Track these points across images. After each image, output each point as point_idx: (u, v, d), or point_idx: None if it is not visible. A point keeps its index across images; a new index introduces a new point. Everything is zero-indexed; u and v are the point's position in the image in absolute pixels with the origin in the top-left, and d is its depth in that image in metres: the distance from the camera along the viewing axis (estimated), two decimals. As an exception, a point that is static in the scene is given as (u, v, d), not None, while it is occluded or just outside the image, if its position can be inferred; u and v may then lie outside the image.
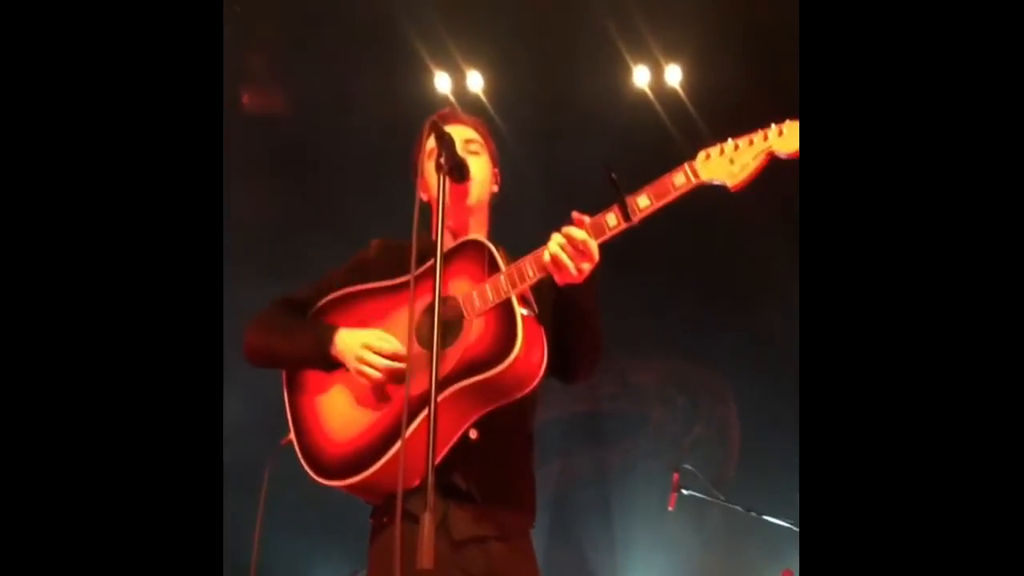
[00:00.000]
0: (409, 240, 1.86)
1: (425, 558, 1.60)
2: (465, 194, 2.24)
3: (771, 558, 5.13)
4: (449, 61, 5.54)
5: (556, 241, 2.01)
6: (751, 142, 2.00)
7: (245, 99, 5.74)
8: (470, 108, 5.55)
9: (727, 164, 1.99)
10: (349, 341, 2.17)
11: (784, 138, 1.97)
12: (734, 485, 5.34)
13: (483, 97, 5.62)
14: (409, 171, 2.39)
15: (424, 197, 2.32)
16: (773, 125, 2.00)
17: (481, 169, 2.30)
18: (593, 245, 2.00)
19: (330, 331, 2.21)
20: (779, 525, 4.49)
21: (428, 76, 5.56)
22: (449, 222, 2.25)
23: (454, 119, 2.37)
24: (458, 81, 5.60)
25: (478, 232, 2.31)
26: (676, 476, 4.66)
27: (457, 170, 2.10)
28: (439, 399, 1.88)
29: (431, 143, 2.09)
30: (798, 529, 4.36)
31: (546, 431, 5.91)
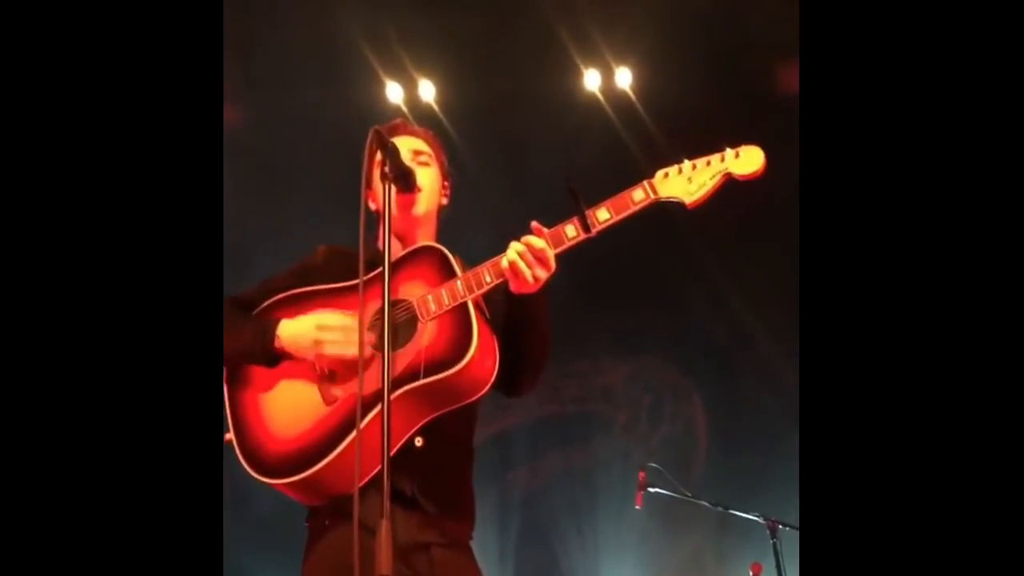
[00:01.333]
0: (357, 247, 1.88)
1: (383, 564, 1.62)
2: (412, 203, 2.26)
3: (740, 551, 5.18)
4: (401, 71, 5.55)
5: (515, 248, 2.05)
6: (708, 163, 2.07)
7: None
8: (422, 117, 5.56)
9: (685, 183, 2.06)
10: (297, 328, 2.17)
11: (740, 160, 2.05)
12: (701, 481, 5.39)
13: (435, 106, 5.63)
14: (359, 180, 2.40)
15: (372, 207, 2.34)
16: (729, 148, 2.08)
17: (429, 180, 2.32)
18: (551, 254, 2.04)
19: (272, 323, 2.20)
20: (746, 519, 4.54)
21: (380, 86, 5.57)
22: (397, 232, 2.27)
23: (404, 130, 2.40)
24: (410, 90, 5.61)
25: (426, 242, 2.31)
26: (642, 474, 4.69)
27: (403, 179, 2.12)
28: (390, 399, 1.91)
29: (379, 154, 2.11)
30: (764, 522, 4.42)
31: (514, 435, 5.95)
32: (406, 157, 2.20)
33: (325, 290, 2.26)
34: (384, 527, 1.64)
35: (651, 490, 4.66)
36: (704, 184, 2.05)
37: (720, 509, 4.67)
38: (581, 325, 5.70)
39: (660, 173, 2.09)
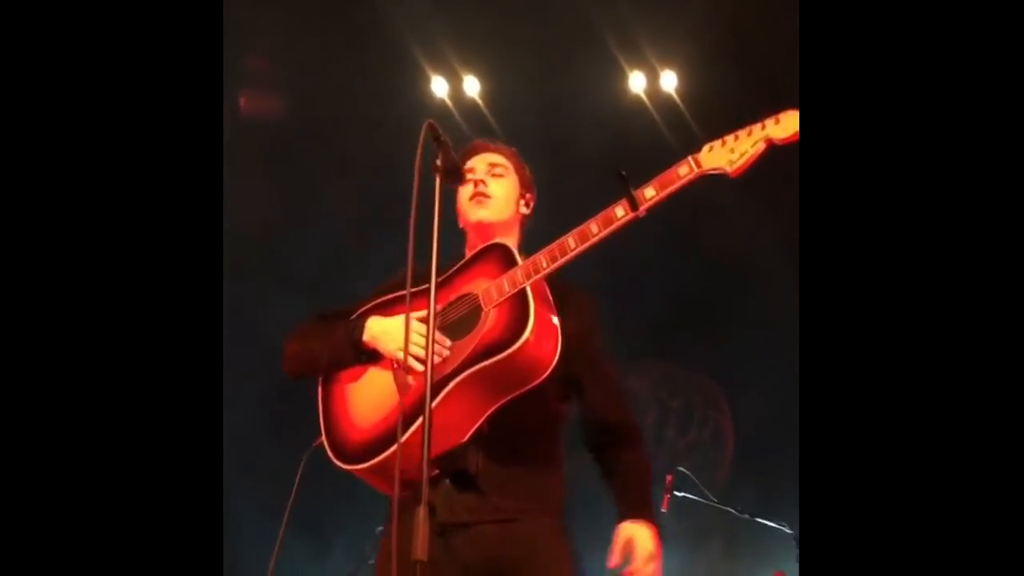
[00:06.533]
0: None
1: (419, 549, 1.66)
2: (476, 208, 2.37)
3: (764, 560, 5.16)
4: (446, 65, 5.59)
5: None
6: (749, 132, 2.11)
7: (242, 102, 5.77)
8: (467, 112, 5.59)
9: (727, 153, 2.10)
10: (384, 324, 2.26)
11: (780, 125, 2.07)
12: (728, 488, 5.37)
13: (479, 101, 5.66)
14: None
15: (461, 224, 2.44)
16: (771, 117, 2.10)
17: (503, 190, 2.41)
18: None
19: (360, 320, 2.30)
20: (772, 527, 4.53)
21: (425, 80, 5.61)
22: (476, 240, 2.37)
23: (483, 149, 2.49)
24: (455, 85, 5.65)
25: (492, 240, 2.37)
26: (670, 477, 4.68)
27: (453, 173, 2.16)
28: (454, 384, 2.04)
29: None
30: (790, 531, 4.40)
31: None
32: (483, 170, 2.37)
33: (403, 296, 2.28)
34: (421, 513, 1.68)
35: (678, 494, 4.66)
36: (745, 152, 2.07)
37: (746, 517, 4.66)
38: (612, 328, 5.70)
39: (705, 148, 2.13)
